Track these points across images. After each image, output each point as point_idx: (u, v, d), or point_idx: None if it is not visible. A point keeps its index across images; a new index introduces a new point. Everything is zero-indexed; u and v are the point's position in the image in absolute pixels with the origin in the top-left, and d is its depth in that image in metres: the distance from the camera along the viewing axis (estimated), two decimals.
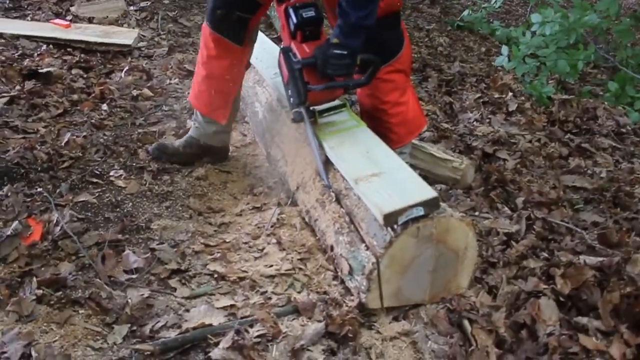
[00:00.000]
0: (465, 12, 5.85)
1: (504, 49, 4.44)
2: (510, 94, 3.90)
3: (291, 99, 2.05)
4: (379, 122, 2.23)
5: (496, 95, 3.89)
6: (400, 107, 2.27)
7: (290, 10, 2.01)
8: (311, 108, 2.10)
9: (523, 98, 3.89)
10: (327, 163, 2.01)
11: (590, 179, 2.84)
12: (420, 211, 1.63)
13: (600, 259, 1.96)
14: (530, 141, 3.22)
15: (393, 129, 2.26)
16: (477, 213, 2.40)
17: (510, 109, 3.65)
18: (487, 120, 3.46)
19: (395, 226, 1.64)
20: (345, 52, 1.89)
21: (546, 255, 2.09)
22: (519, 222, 2.30)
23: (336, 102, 2.17)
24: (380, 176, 1.80)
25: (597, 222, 2.41)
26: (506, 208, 2.48)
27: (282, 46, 2.11)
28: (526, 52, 4.31)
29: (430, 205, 1.65)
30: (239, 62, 2.37)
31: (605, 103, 3.99)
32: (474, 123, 3.41)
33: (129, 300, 1.68)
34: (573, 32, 4.18)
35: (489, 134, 3.22)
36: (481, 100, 3.76)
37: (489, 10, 6.01)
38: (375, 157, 1.92)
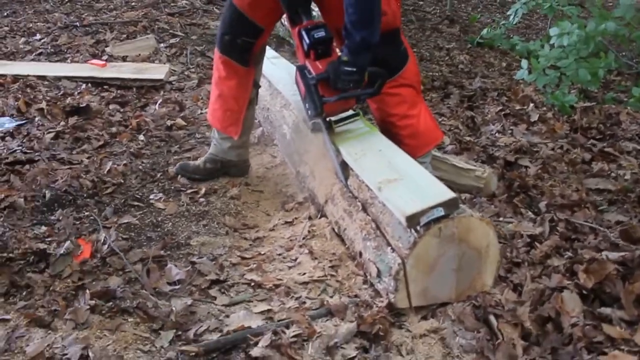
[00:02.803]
0: (485, 31, 5.94)
1: (524, 63, 4.50)
2: (532, 105, 3.94)
3: (309, 112, 2.25)
4: (390, 134, 2.35)
5: (517, 107, 3.94)
6: (410, 119, 2.39)
7: (303, 32, 2.19)
8: (327, 119, 2.30)
9: (545, 108, 3.93)
10: (344, 166, 2.18)
11: (614, 181, 2.87)
12: (440, 212, 1.72)
13: (623, 253, 2.01)
14: (552, 148, 3.26)
15: (404, 140, 2.37)
16: (501, 218, 2.46)
17: (532, 120, 3.70)
18: (509, 131, 3.52)
19: (418, 227, 1.74)
20: (355, 69, 2.08)
21: (570, 254, 2.13)
22: (543, 224, 2.35)
23: (350, 112, 2.37)
24: (401, 182, 1.91)
25: (621, 221, 2.44)
26: (529, 212, 2.53)
27: (297, 65, 2.28)
28: (546, 64, 4.36)
29: (449, 206, 1.74)
30: (245, 81, 2.57)
31: (629, 108, 4.01)
32: (496, 134, 3.48)
33: (173, 309, 1.81)
34: (592, 40, 4.23)
35: (511, 143, 3.27)
36: (503, 112, 3.81)
37: (508, 27, 6.09)
38: (396, 165, 2.03)
